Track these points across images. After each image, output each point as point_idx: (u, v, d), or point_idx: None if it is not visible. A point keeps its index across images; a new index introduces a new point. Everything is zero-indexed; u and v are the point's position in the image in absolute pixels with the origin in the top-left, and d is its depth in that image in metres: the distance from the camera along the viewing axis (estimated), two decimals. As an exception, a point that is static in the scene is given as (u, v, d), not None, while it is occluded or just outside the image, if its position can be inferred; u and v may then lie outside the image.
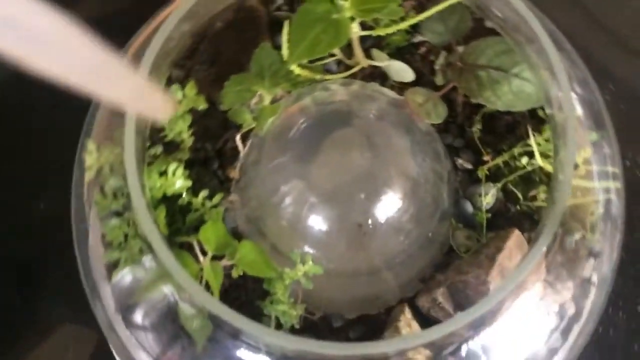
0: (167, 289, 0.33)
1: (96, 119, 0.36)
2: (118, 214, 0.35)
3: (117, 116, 0.37)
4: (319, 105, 0.35)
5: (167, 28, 0.29)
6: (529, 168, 0.36)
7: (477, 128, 0.39)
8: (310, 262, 0.32)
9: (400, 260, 0.35)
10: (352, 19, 0.31)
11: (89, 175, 0.36)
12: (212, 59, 0.42)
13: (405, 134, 0.34)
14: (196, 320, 0.32)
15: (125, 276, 0.34)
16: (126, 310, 0.35)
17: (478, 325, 0.30)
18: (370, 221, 0.33)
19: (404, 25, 0.32)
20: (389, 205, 0.33)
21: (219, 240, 0.32)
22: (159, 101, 0.20)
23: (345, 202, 0.33)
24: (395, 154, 0.34)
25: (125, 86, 0.17)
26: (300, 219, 0.34)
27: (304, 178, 0.33)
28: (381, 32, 0.33)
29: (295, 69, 0.33)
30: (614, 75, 0.52)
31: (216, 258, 0.33)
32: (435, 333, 0.27)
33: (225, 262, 0.33)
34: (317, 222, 0.34)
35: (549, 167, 0.35)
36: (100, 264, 0.36)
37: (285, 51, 0.32)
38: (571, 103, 0.28)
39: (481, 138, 0.39)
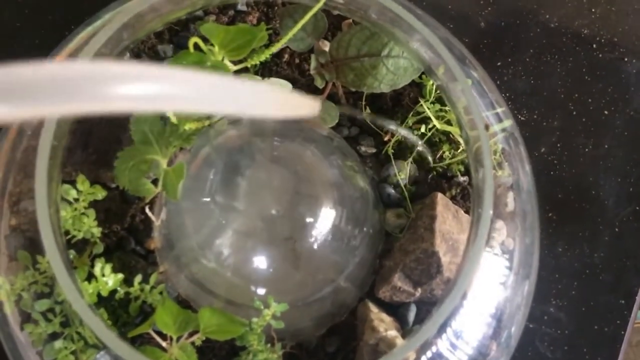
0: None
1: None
2: (55, 335, 0.33)
3: (15, 239, 0.34)
4: (220, 150, 0.34)
5: (46, 145, 0.27)
6: (429, 133, 0.38)
7: (366, 113, 0.40)
8: (274, 303, 0.32)
9: (352, 264, 0.36)
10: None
11: (7, 309, 0.33)
12: (85, 142, 0.39)
13: (310, 145, 0.35)
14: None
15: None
16: None
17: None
18: (314, 241, 0.33)
19: (274, 49, 0.32)
20: (326, 218, 0.34)
21: (177, 319, 0.31)
22: (304, 102, 0.23)
23: (283, 231, 0.33)
24: (311, 168, 0.34)
25: (274, 101, 0.21)
26: (245, 264, 0.33)
27: (235, 225, 0.33)
28: (256, 61, 0.32)
29: (183, 123, 0.32)
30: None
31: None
32: (420, 337, 0.28)
33: (185, 336, 0.32)
34: (262, 261, 0.33)
35: (446, 127, 0.37)
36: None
37: (170, 113, 0.31)
38: (454, 64, 0.30)
39: (373, 121, 0.41)
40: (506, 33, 0.56)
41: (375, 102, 0.41)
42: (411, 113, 0.40)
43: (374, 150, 0.40)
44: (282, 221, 0.33)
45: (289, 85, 0.39)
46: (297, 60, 0.43)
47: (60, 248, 0.26)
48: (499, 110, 0.35)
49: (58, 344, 0.32)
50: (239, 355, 0.35)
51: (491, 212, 0.29)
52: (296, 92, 0.25)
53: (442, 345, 0.33)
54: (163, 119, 0.36)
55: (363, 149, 0.40)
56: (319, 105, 0.26)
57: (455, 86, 0.32)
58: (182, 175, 0.32)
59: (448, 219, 0.37)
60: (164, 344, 0.32)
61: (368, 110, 0.40)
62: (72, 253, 0.34)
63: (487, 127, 0.29)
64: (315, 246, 0.34)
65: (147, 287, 0.33)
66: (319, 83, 0.38)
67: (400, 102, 0.41)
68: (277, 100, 0.22)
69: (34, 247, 0.34)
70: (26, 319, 0.33)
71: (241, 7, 0.43)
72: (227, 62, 0.32)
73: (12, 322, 0.33)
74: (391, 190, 0.39)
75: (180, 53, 0.31)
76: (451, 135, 0.39)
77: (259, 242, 0.33)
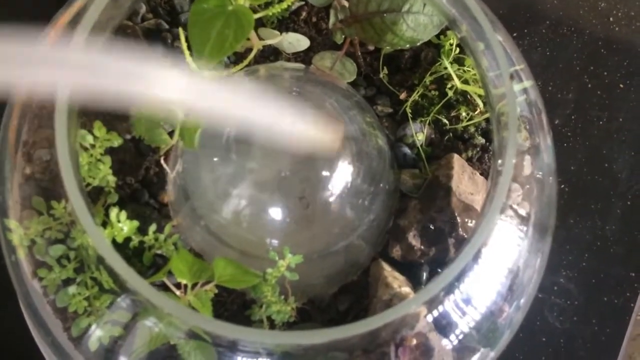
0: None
1: (7, 197, 0.33)
2: (68, 282, 0.33)
3: (30, 187, 0.34)
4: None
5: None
6: (450, 93, 0.38)
7: (383, 73, 0.40)
8: (289, 255, 0.32)
9: (367, 222, 0.35)
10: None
11: (21, 254, 0.33)
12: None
13: (331, 98, 0.34)
14: (198, 350, 0.31)
15: (102, 338, 0.32)
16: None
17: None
18: (330, 195, 0.33)
19: (287, 2, 0.32)
20: (343, 173, 0.33)
21: (192, 268, 0.31)
22: (328, 134, 0.24)
23: (300, 184, 0.33)
24: (327, 118, 0.34)
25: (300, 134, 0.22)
26: (259, 216, 0.33)
27: (253, 176, 0.32)
28: (277, 10, 0.32)
29: (201, 72, 0.32)
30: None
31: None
32: (431, 290, 0.27)
33: (199, 285, 0.32)
34: (277, 213, 0.33)
35: (466, 87, 0.37)
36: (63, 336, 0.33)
37: (188, 58, 0.31)
38: (482, 17, 0.29)
39: (390, 80, 0.40)
40: (523, 3, 0.55)
41: (393, 62, 0.41)
42: (429, 73, 0.39)
43: (390, 110, 0.40)
44: (299, 174, 0.33)
45: (307, 41, 0.38)
46: (314, 19, 0.42)
47: (81, 188, 0.26)
48: (518, 68, 0.35)
49: (72, 289, 0.32)
50: (251, 308, 0.34)
51: (512, 171, 0.29)
52: (319, 124, 0.25)
53: (453, 301, 0.33)
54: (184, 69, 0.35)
55: (379, 108, 0.40)
56: (340, 138, 0.27)
57: (477, 44, 0.32)
58: (199, 124, 0.32)
59: (464, 179, 0.36)
60: (177, 292, 0.32)
61: (385, 70, 0.40)
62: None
63: (512, 78, 0.28)
64: (330, 200, 0.34)
65: (162, 237, 0.33)
66: (338, 39, 0.37)
67: (418, 63, 0.41)
68: (301, 133, 0.23)
69: (48, 194, 0.34)
70: (39, 265, 0.33)
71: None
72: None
73: (26, 268, 0.33)
74: (407, 151, 0.39)
75: (191, 11, 0.30)
76: (469, 96, 0.39)
77: (275, 193, 0.33)
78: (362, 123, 0.35)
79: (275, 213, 0.34)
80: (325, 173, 0.33)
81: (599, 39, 0.54)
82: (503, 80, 0.29)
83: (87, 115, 0.37)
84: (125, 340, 0.32)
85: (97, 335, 0.32)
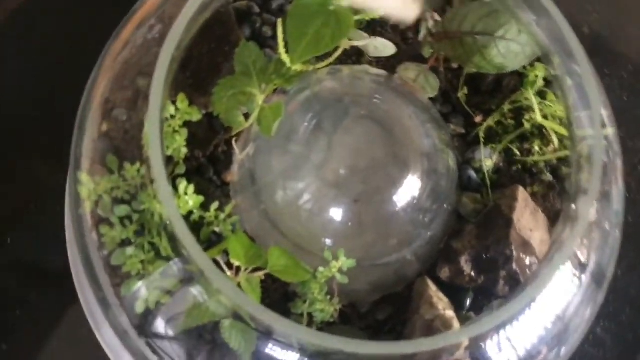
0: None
1: (82, 151, 0.34)
2: (126, 242, 0.34)
3: (104, 143, 0.35)
4: (319, 97, 0.34)
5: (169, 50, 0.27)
6: (528, 126, 0.37)
7: (463, 93, 0.40)
8: (343, 257, 0.32)
9: (420, 237, 0.36)
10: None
11: (87, 207, 0.34)
12: (185, 64, 0.39)
13: (409, 110, 0.34)
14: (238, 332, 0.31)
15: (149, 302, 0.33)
16: (149, 328, 0.34)
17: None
18: (393, 206, 0.33)
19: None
20: (410, 187, 0.34)
21: (248, 252, 0.31)
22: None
23: (367, 189, 0.33)
24: (407, 132, 0.34)
25: None
26: (319, 213, 0.34)
27: (321, 173, 0.33)
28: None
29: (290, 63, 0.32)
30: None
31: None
32: (480, 327, 0.27)
33: (250, 269, 0.33)
34: (339, 214, 0.33)
35: (547, 123, 0.36)
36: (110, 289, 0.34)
37: (281, 50, 0.31)
38: (581, 53, 0.29)
39: (468, 101, 0.40)
40: (608, 43, 0.54)
41: (474, 82, 0.40)
42: (508, 100, 0.39)
43: (462, 131, 0.40)
44: (368, 179, 0.33)
45: (393, 48, 0.38)
46: (402, 27, 0.42)
47: (164, 157, 0.27)
48: (604, 114, 0.34)
49: (129, 250, 0.32)
50: (293, 300, 0.35)
51: (588, 223, 0.29)
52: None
53: (495, 339, 0.33)
54: (268, 55, 0.36)
55: (452, 127, 0.39)
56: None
57: (567, 80, 0.32)
58: (279, 114, 0.32)
59: (526, 214, 0.36)
60: (228, 272, 0.32)
61: (465, 90, 0.40)
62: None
63: (603, 126, 0.28)
64: (393, 211, 0.34)
65: (222, 216, 0.34)
66: (426, 52, 0.37)
67: (499, 88, 0.40)
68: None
69: (120, 153, 0.34)
70: (101, 221, 0.34)
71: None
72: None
73: (89, 221, 0.34)
74: (473, 174, 0.38)
75: (293, 5, 0.31)
76: (545, 131, 0.38)
77: (341, 194, 0.33)
78: (436, 139, 0.35)
79: (336, 213, 0.34)
80: (394, 182, 0.34)
81: (681, 94, 0.53)
82: (592, 123, 0.29)
83: (171, 86, 0.38)
84: (169, 308, 0.33)
85: (145, 298, 0.33)
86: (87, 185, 0.33)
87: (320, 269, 0.32)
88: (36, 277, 0.46)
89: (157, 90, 0.26)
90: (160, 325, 0.33)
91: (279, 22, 0.30)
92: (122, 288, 0.33)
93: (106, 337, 0.35)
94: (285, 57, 0.31)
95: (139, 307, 0.33)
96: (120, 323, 0.34)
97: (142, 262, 0.32)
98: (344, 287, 0.36)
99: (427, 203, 0.35)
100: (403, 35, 0.42)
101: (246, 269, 0.32)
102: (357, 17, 0.32)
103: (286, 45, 0.30)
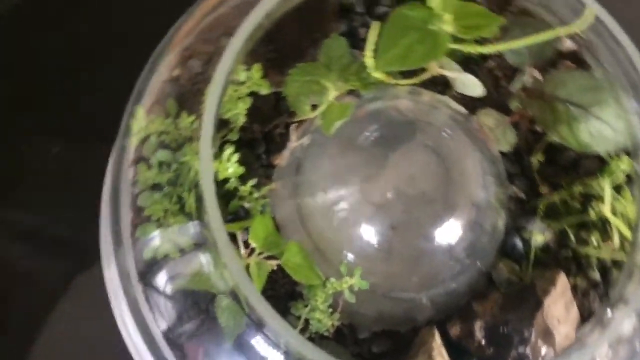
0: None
1: (147, 87, 0.34)
2: (157, 187, 0.34)
3: (170, 87, 0.35)
4: (390, 113, 0.33)
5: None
6: (593, 215, 0.35)
7: (537, 159, 0.38)
8: (358, 277, 0.31)
9: (443, 285, 0.34)
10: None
11: (133, 141, 0.34)
12: (271, 39, 0.39)
13: (476, 156, 0.33)
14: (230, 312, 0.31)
15: (156, 250, 0.33)
16: (150, 277, 0.34)
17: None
18: (425, 244, 0.32)
19: (497, 48, 0.30)
20: (449, 232, 0.32)
21: (268, 237, 0.30)
22: None
23: (403, 220, 0.32)
24: (465, 177, 0.33)
25: None
26: (351, 226, 0.32)
27: (366, 186, 0.32)
28: (471, 49, 0.31)
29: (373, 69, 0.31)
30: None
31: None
32: None
33: (264, 255, 0.32)
34: (370, 234, 0.32)
35: (614, 220, 0.34)
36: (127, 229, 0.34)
37: (368, 53, 0.30)
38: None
39: (539, 169, 0.38)
40: None
41: (552, 152, 0.38)
42: (581, 182, 0.37)
43: (522, 196, 0.38)
44: (411, 209, 0.32)
45: (482, 90, 0.37)
46: (497, 71, 0.40)
47: (216, 117, 0.26)
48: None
49: (157, 195, 0.32)
50: (296, 300, 0.34)
51: (619, 335, 0.26)
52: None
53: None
54: (355, 56, 0.35)
55: (514, 189, 0.38)
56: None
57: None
58: (346, 114, 0.31)
59: (559, 303, 0.34)
60: (242, 250, 0.32)
61: (540, 156, 0.38)
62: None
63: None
64: (425, 250, 0.32)
65: (256, 194, 0.33)
66: (514, 105, 0.35)
67: (575, 166, 0.38)
68: None
69: (181, 102, 0.34)
70: (141, 160, 0.34)
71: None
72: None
73: (130, 155, 0.34)
74: (519, 243, 0.36)
75: (404, 5, 0.30)
76: (608, 227, 0.36)
77: (380, 215, 0.32)
78: (493, 194, 0.34)
79: (368, 232, 0.33)
80: (436, 222, 0.32)
81: None
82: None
83: (251, 54, 0.37)
84: (175, 264, 0.32)
85: (156, 246, 0.32)
86: (140, 121, 0.33)
87: (332, 279, 0.31)
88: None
89: (233, 49, 0.26)
90: (161, 279, 0.33)
91: (374, 24, 0.30)
92: (138, 229, 0.33)
93: (110, 278, 0.34)
94: (369, 62, 0.30)
95: (147, 254, 0.33)
96: (126, 263, 0.34)
97: (165, 211, 0.32)
98: (350, 306, 0.34)
99: (462, 254, 0.33)
100: (495, 80, 0.40)
101: (260, 254, 0.31)
102: (454, 46, 0.31)
103: (375, 51, 0.30)
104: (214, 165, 0.31)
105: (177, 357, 0.32)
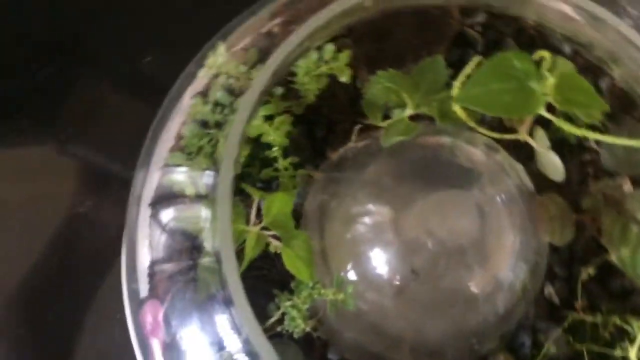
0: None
1: (239, 31, 0.34)
2: (204, 124, 0.33)
3: (258, 39, 0.34)
4: (456, 153, 0.31)
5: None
6: (619, 352, 0.32)
7: (588, 272, 0.34)
8: (348, 294, 0.29)
9: (431, 349, 0.32)
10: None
11: (203, 73, 0.34)
12: (378, 35, 0.38)
13: (519, 235, 0.30)
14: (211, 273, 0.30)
15: (175, 182, 0.33)
16: (159, 207, 0.33)
17: None
18: (430, 296, 0.30)
19: (595, 136, 0.28)
20: (463, 304, 0.30)
21: (279, 216, 0.29)
22: None
23: (428, 270, 0.30)
24: (497, 250, 0.30)
25: None
26: (365, 244, 0.31)
27: (398, 213, 0.30)
28: (564, 126, 0.28)
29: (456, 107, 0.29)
30: None
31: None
32: None
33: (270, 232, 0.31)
34: (380, 261, 0.30)
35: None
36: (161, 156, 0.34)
37: (458, 84, 0.28)
38: None
39: (585, 283, 0.35)
40: None
41: (604, 272, 0.35)
42: (620, 316, 0.33)
43: (555, 301, 0.35)
44: (438, 260, 0.30)
45: (562, 177, 0.34)
46: (588, 169, 0.37)
47: (273, 75, 0.25)
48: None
49: (199, 130, 0.32)
50: (282, 293, 0.33)
51: None
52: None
53: None
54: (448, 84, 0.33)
55: (548, 289, 0.34)
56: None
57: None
58: (409, 132, 0.30)
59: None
60: (253, 218, 0.31)
61: (591, 271, 0.34)
62: (279, 90, 0.33)
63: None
64: (434, 308, 0.30)
65: (292, 172, 0.32)
66: (586, 204, 0.33)
67: (622, 297, 0.35)
68: None
69: (262, 55, 0.34)
70: (203, 94, 0.33)
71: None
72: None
73: (198, 85, 0.34)
74: (527, 343, 0.33)
75: (514, 52, 0.28)
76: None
77: (403, 253, 0.30)
78: (519, 283, 0.31)
79: (383, 262, 0.30)
80: (455, 286, 0.30)
81: None
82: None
83: (350, 37, 0.36)
84: (184, 204, 0.32)
85: (176, 180, 0.32)
86: (217, 57, 0.33)
87: (320, 285, 0.29)
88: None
89: (320, 18, 0.25)
90: (169, 213, 0.33)
91: (475, 58, 0.28)
92: (170, 155, 0.33)
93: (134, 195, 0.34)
94: (455, 91, 0.28)
95: (166, 182, 0.32)
96: (145, 185, 0.34)
97: (199, 148, 0.32)
98: (331, 321, 0.33)
99: (466, 328, 0.31)
100: (582, 168, 0.37)
101: (265, 228, 0.30)
102: (552, 117, 0.28)
103: (463, 84, 0.28)
104: (259, 124, 0.31)
105: (148, 287, 0.32)
